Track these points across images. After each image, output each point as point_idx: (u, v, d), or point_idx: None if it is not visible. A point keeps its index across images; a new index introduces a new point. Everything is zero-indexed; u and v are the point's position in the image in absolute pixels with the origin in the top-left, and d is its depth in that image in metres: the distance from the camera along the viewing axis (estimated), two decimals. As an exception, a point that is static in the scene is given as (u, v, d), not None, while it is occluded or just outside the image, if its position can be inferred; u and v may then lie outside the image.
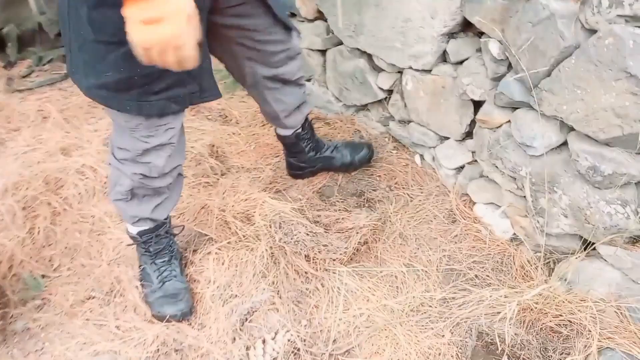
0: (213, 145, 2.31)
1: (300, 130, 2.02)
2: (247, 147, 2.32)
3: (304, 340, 1.58)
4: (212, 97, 1.43)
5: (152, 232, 1.66)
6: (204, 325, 1.62)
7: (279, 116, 1.89)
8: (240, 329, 1.61)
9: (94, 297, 1.73)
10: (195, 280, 1.74)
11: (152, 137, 1.42)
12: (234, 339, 1.58)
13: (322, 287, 1.72)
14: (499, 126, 1.73)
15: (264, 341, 1.55)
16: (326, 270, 1.75)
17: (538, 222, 1.68)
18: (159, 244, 1.69)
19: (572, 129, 1.50)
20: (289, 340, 1.55)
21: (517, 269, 1.76)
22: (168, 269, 1.68)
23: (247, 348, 1.55)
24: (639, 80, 1.24)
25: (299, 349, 1.55)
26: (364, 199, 2.07)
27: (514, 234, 1.86)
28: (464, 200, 2.03)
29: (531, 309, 1.55)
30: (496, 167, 1.78)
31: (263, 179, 2.14)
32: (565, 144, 1.55)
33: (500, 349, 1.54)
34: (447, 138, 2.07)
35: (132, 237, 1.71)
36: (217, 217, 1.91)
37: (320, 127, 2.40)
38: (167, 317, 1.61)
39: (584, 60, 1.34)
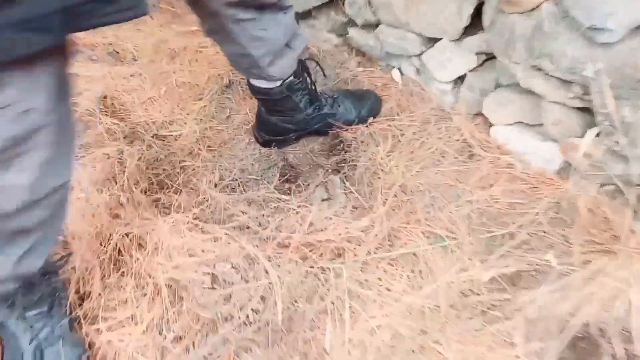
0: (106, 97, 1.56)
1: (292, 78, 1.32)
2: (156, 92, 1.59)
3: (303, 395, 0.96)
4: (132, 13, 0.75)
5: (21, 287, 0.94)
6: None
7: (259, 63, 1.21)
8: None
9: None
10: (107, 326, 1.06)
11: None
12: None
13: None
14: (536, 7, 1.11)
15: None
16: (313, 267, 1.12)
17: (617, 142, 1.09)
18: (33, 294, 0.98)
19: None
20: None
21: (584, 216, 1.18)
22: (49, 323, 0.98)
23: None
24: None
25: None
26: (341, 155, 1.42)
27: (565, 162, 1.27)
28: (477, 124, 1.42)
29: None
30: (538, 69, 1.16)
31: (187, 144, 1.44)
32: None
33: (597, 349, 0.99)
34: (438, 39, 1.43)
35: None
36: (127, 218, 1.21)
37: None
38: None
39: None
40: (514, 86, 1.30)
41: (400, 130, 1.43)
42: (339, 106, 1.46)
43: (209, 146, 1.44)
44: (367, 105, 1.49)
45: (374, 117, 1.49)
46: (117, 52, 1.76)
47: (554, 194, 1.25)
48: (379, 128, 1.44)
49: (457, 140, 1.39)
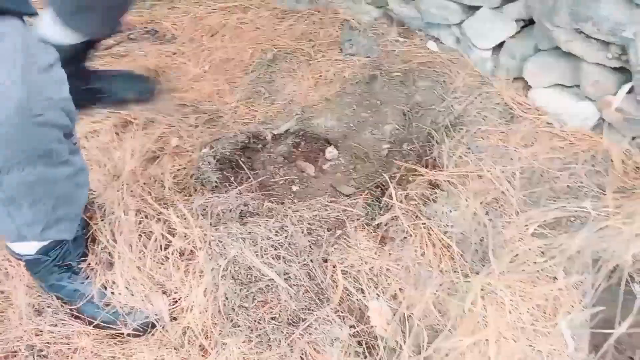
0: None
1: None
2: (200, 68, 1.79)
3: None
4: None
5: None
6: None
7: None
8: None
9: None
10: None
11: None
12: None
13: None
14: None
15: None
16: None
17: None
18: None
19: None
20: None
21: (617, 167, 1.41)
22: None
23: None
24: None
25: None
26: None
27: (600, 119, 1.49)
28: (516, 88, 1.63)
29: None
30: (580, 32, 1.37)
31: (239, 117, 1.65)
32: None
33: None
34: (478, 7, 1.65)
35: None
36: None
37: (294, 25, 1.90)
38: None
39: None
40: (553, 50, 1.51)
41: (442, 97, 1.65)
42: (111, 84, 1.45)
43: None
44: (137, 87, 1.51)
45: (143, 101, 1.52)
46: (156, 31, 1.96)
47: (590, 148, 1.47)
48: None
49: (497, 104, 1.60)
